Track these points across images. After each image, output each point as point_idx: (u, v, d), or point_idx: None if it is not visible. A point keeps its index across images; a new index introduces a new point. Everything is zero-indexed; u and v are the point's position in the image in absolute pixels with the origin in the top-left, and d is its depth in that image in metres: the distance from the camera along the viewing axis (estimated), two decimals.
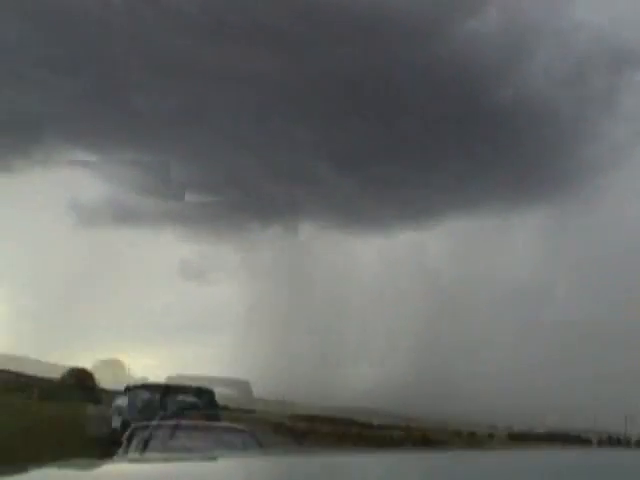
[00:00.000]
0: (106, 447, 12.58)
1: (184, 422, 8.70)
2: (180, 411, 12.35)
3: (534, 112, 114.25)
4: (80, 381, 76.33)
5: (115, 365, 76.91)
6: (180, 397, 15.03)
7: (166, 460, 2.42)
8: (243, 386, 13.67)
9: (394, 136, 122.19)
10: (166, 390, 14.10)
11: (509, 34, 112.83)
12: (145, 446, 6.13)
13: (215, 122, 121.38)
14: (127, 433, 6.99)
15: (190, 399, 14.50)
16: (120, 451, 6.64)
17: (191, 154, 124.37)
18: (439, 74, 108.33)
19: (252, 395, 13.69)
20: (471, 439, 64.88)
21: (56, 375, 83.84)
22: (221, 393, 14.51)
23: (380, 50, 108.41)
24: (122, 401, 17.01)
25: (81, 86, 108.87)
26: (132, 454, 6.35)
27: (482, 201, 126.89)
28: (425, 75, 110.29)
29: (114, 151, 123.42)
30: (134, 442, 6.62)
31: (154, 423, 7.64)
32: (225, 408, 12.03)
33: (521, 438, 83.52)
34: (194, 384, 14.25)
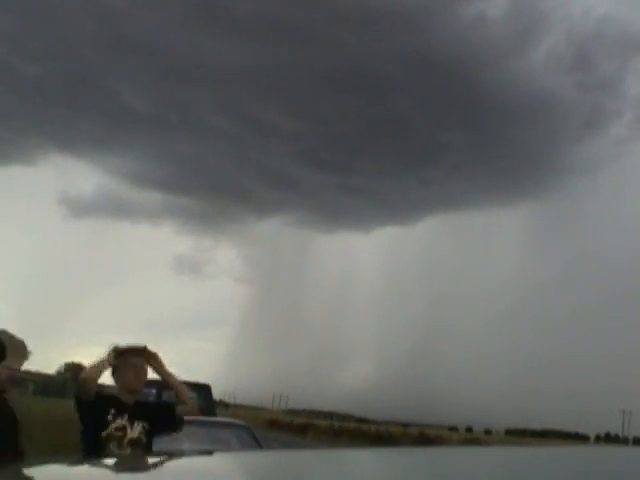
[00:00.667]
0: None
1: None
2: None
3: (535, 102, 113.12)
4: (76, 376, 76.26)
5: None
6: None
7: (161, 455, 2.39)
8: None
9: (379, 129, 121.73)
10: (162, 385, 14.08)
11: (516, 18, 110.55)
12: None
13: (201, 119, 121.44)
14: None
15: None
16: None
17: (178, 151, 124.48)
18: (438, 60, 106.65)
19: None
20: (468, 435, 65.18)
21: (51, 370, 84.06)
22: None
23: (375, 36, 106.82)
24: None
25: (70, 77, 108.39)
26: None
27: (466, 196, 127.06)
28: (423, 61, 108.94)
29: (108, 143, 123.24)
30: None
31: None
32: None
33: (518, 434, 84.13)
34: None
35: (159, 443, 6.56)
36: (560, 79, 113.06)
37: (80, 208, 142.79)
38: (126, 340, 4.31)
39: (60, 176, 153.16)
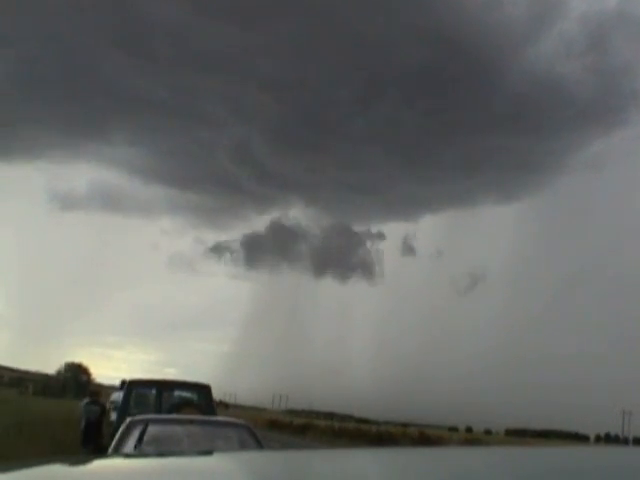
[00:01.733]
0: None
1: (180, 416, 8.69)
2: (176, 406, 12.36)
3: (546, 94, 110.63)
4: (75, 376, 76.54)
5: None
6: (176, 392, 15.04)
7: (161, 455, 2.39)
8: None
9: (384, 124, 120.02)
10: (162, 385, 14.11)
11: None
12: (140, 441, 6.10)
13: (204, 112, 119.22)
14: (122, 428, 6.97)
15: (186, 394, 14.51)
16: (115, 446, 6.62)
17: (184, 144, 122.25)
18: (448, 45, 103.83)
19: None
20: (468, 435, 65.18)
21: (51, 370, 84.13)
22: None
23: (383, 15, 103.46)
24: (118, 396, 17.06)
25: (69, 65, 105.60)
26: (127, 449, 6.34)
27: (470, 192, 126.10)
28: (432, 46, 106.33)
29: (107, 134, 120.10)
30: (129, 437, 6.60)
31: (150, 417, 7.62)
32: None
33: (518, 434, 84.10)
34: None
35: (159, 442, 6.58)
36: (573, 67, 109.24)
37: (77, 204, 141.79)
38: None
39: (54, 171, 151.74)
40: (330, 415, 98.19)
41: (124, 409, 12.31)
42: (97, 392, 17.60)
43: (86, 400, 16.47)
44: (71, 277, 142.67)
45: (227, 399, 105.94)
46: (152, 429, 6.51)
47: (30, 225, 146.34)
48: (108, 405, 18.50)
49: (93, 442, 14.17)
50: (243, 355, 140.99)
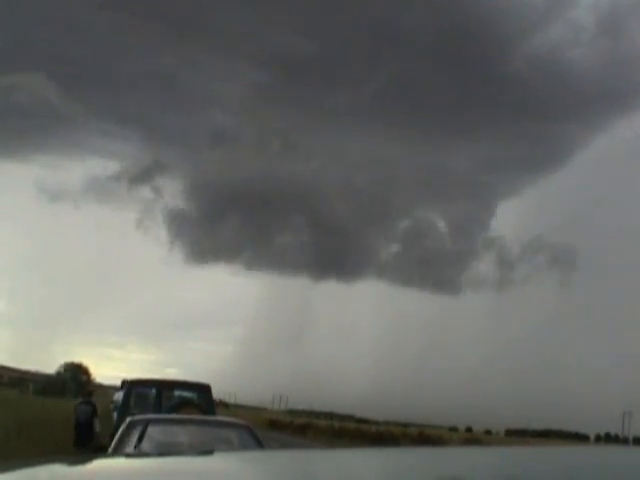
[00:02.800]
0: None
1: (180, 416, 8.70)
2: (176, 406, 12.37)
3: (553, 87, 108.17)
4: (75, 376, 76.62)
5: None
6: (176, 392, 15.06)
7: (162, 455, 2.40)
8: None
9: (390, 115, 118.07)
10: (162, 385, 14.12)
11: None
12: (141, 441, 6.11)
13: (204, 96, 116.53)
14: (122, 428, 6.98)
15: (186, 394, 14.53)
16: (115, 446, 6.62)
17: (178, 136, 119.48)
18: (452, 32, 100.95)
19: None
20: (468, 435, 65.15)
21: (51, 370, 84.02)
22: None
23: None
24: (119, 396, 17.12)
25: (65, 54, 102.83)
26: (127, 449, 6.34)
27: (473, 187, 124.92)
28: (436, 36, 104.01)
29: (102, 125, 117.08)
30: (129, 437, 6.60)
31: (150, 417, 7.63)
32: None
33: (518, 434, 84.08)
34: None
35: (159, 442, 6.58)
36: (583, 56, 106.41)
37: (71, 198, 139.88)
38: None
39: (48, 166, 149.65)
40: (330, 415, 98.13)
41: (124, 409, 12.32)
42: (90, 392, 17.81)
43: (79, 400, 16.62)
44: (70, 276, 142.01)
45: (227, 399, 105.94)
46: (152, 429, 6.51)
47: (26, 222, 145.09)
48: (109, 405, 18.58)
49: (83, 443, 14.20)
50: (244, 355, 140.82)
